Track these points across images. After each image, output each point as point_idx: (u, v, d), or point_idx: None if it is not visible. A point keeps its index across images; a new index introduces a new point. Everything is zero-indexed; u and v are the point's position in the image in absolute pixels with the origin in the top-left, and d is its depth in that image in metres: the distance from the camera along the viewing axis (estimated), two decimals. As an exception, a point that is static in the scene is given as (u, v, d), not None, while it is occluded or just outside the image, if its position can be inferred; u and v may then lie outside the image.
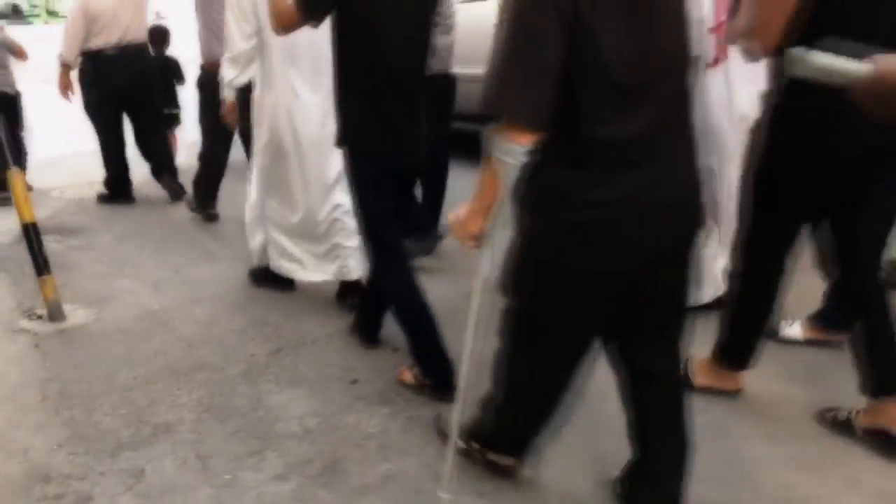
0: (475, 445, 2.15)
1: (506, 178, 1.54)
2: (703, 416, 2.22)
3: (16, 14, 19.88)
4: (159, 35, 5.86)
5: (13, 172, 3.34)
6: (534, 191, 1.59)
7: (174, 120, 6.10)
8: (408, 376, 2.70)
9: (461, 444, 2.08)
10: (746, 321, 2.48)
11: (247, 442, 2.44)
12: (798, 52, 1.22)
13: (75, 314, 3.44)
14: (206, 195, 4.80)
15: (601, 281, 1.61)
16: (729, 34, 2.18)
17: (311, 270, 3.37)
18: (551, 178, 1.56)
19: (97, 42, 4.87)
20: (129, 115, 5.21)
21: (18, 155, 3.43)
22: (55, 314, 3.36)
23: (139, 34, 5.05)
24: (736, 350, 2.52)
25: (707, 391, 2.53)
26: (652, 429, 1.87)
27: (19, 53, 5.44)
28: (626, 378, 1.87)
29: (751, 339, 2.49)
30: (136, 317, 3.43)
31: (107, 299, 3.63)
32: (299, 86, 3.06)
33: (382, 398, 2.66)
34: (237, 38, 3.10)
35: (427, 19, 2.55)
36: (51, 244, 4.29)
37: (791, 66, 1.23)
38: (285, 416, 2.58)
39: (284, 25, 2.33)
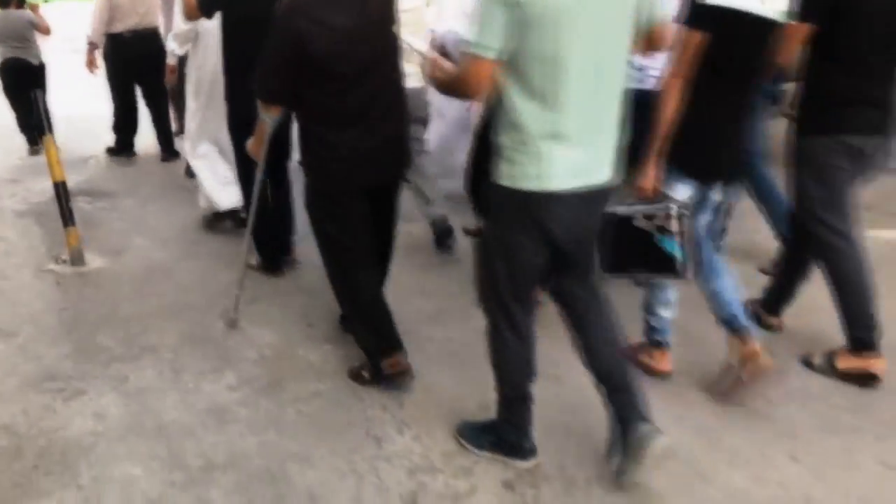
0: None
1: (267, 131, 2.81)
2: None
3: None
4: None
5: (47, 138, 3.98)
6: (307, 143, 2.63)
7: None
8: None
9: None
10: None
11: (212, 362, 3.03)
12: None
13: (94, 261, 4.09)
14: None
15: (349, 195, 2.63)
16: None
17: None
18: (314, 133, 2.60)
19: (118, 26, 5.90)
20: (141, 86, 6.21)
21: (49, 121, 4.06)
22: (76, 260, 4.00)
23: (153, 20, 6.07)
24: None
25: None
26: None
27: (44, 30, 6.58)
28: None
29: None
30: (144, 266, 4.06)
31: (122, 251, 4.27)
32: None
33: (328, 338, 3.23)
34: (180, 20, 4.07)
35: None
36: (82, 205, 4.98)
37: None
38: (248, 346, 3.17)
39: (189, 15, 3.38)
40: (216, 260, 4.14)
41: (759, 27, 2.40)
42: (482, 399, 2.62)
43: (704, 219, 2.68)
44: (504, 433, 2.37)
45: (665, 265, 2.46)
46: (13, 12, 6.42)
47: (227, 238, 4.40)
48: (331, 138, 2.56)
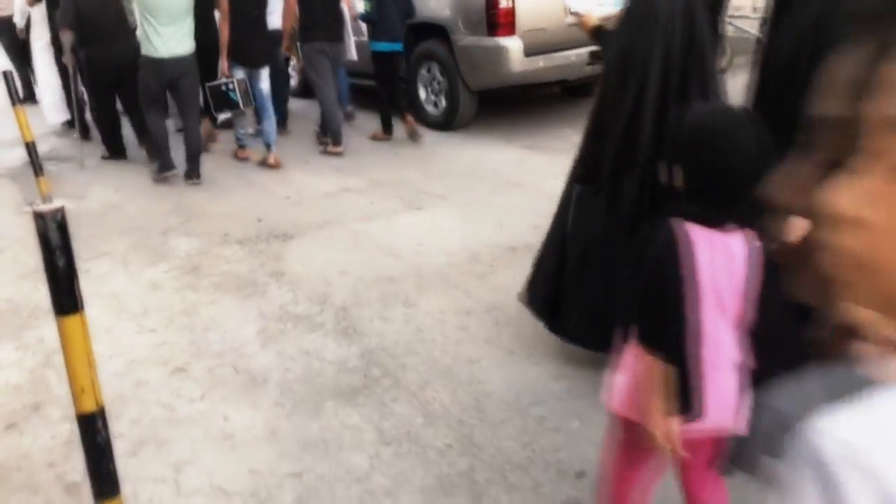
0: None
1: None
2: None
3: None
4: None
5: (17, 108, 5.07)
6: None
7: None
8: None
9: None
10: None
11: (151, 259, 4.21)
12: None
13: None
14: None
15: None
16: None
17: None
18: None
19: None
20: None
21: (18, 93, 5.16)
22: (47, 202, 5.11)
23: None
24: None
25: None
26: None
27: None
28: None
29: None
30: (101, 204, 5.20)
31: (84, 197, 5.40)
32: None
33: (241, 242, 4.41)
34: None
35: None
36: (50, 167, 6.06)
37: None
38: (179, 250, 4.34)
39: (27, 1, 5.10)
40: (156, 197, 5.29)
41: None
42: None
43: (258, 84, 5.77)
44: None
45: (232, 105, 5.68)
46: None
47: (169, 185, 5.55)
48: None
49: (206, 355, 3.15)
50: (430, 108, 6.87)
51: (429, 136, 6.48)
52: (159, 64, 5.38)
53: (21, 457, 2.54)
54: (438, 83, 6.70)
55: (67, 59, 5.97)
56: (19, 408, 2.82)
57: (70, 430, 2.64)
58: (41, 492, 2.36)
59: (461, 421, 2.64)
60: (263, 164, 5.89)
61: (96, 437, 1.76)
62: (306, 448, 2.52)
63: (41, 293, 3.81)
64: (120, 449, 2.08)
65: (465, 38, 6.26)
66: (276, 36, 6.04)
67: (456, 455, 2.47)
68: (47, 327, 3.40)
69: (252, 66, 5.81)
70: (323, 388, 2.89)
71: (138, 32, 5.49)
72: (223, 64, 5.65)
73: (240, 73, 5.73)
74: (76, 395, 1.72)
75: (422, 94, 6.90)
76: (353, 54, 6.52)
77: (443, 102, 6.72)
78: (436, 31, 6.54)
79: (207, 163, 5.91)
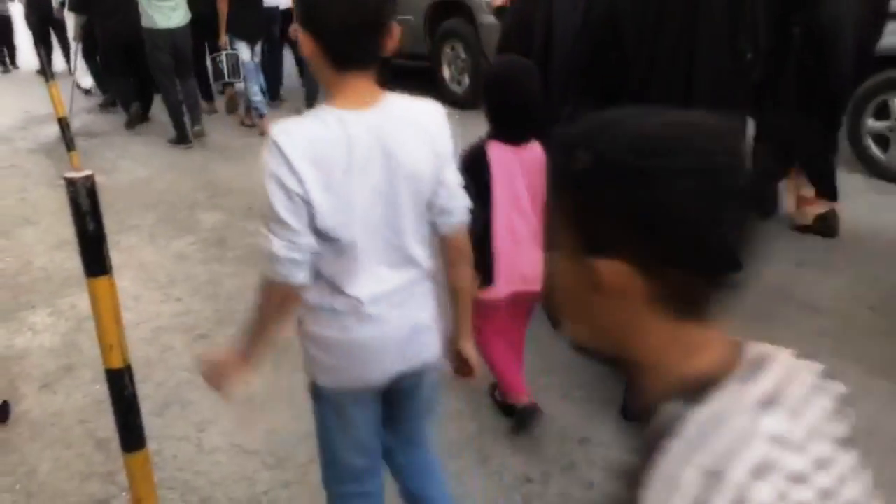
0: None
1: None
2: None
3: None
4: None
5: (51, 84, 5.22)
6: None
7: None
8: None
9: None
10: None
11: (177, 231, 4.35)
12: None
13: (92, 178, 5.37)
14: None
15: None
16: None
17: None
18: None
19: None
20: None
21: (51, 69, 5.36)
22: (79, 176, 5.28)
23: None
24: None
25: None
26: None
27: None
28: None
29: None
30: (130, 179, 5.36)
31: (112, 171, 5.56)
32: None
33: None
34: None
35: None
36: (80, 143, 6.23)
37: None
38: (205, 223, 4.47)
39: None
40: (183, 172, 5.44)
41: None
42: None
43: (248, 55, 6.21)
44: None
45: (221, 76, 6.29)
46: None
47: (191, 155, 5.68)
48: None
49: (228, 323, 3.28)
50: (454, 87, 6.91)
51: (453, 114, 6.54)
52: (158, 34, 5.84)
53: (54, 414, 2.68)
54: (463, 61, 6.75)
55: (76, 35, 6.87)
56: (53, 369, 2.97)
57: (101, 391, 2.77)
58: (74, 446, 2.51)
59: (472, 389, 2.74)
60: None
61: (124, 391, 1.88)
62: (322, 411, 2.64)
63: (74, 262, 3.96)
64: (146, 409, 2.20)
65: (488, 17, 6.29)
66: (271, 12, 6.56)
67: (466, 420, 2.56)
68: (79, 295, 3.56)
69: (248, 40, 6.28)
70: (340, 355, 3.00)
71: (140, 7, 5.87)
72: (222, 37, 6.19)
73: (241, 47, 6.23)
74: (105, 351, 1.83)
75: (446, 72, 6.95)
76: None
77: (466, 80, 6.76)
78: (460, 9, 6.57)
79: (235, 140, 6.05)
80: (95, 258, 1.75)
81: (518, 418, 2.43)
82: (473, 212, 1.60)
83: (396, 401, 1.65)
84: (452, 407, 2.62)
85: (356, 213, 1.35)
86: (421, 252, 1.50)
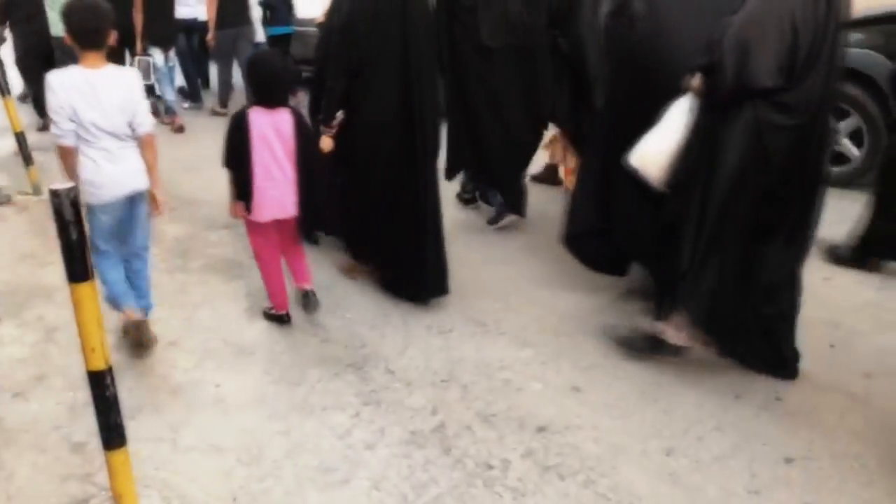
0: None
1: None
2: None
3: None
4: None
5: (6, 99, 5.22)
6: None
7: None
8: None
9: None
10: None
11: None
12: None
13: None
14: None
15: None
16: None
17: None
18: None
19: None
20: None
21: (7, 85, 5.32)
22: (37, 190, 5.29)
23: None
24: None
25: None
26: None
27: None
28: None
29: None
30: (90, 193, 5.37)
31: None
32: None
33: (227, 226, 4.62)
34: None
35: None
36: (37, 157, 6.22)
37: None
38: (168, 235, 4.54)
39: None
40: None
41: None
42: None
43: (161, 60, 6.81)
44: None
45: None
46: None
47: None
48: None
49: (197, 330, 3.37)
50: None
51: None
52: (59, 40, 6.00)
53: (29, 421, 2.75)
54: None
55: None
56: (24, 378, 3.03)
57: (73, 398, 2.87)
58: (50, 450, 2.58)
59: (434, 384, 2.89)
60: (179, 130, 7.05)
61: (105, 392, 1.98)
62: (293, 409, 2.76)
63: (38, 275, 4.02)
64: (121, 411, 2.31)
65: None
66: (186, 23, 7.35)
67: (429, 413, 2.72)
68: (46, 307, 3.62)
69: (161, 45, 6.99)
70: (308, 357, 3.12)
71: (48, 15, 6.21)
72: (139, 44, 6.84)
73: (155, 52, 6.91)
74: (87, 354, 1.93)
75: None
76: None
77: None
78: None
79: (198, 151, 6.12)
80: (79, 264, 1.85)
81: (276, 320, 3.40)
82: (236, 154, 3.04)
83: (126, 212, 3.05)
84: (416, 403, 2.77)
85: (90, 117, 2.79)
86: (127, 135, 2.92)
